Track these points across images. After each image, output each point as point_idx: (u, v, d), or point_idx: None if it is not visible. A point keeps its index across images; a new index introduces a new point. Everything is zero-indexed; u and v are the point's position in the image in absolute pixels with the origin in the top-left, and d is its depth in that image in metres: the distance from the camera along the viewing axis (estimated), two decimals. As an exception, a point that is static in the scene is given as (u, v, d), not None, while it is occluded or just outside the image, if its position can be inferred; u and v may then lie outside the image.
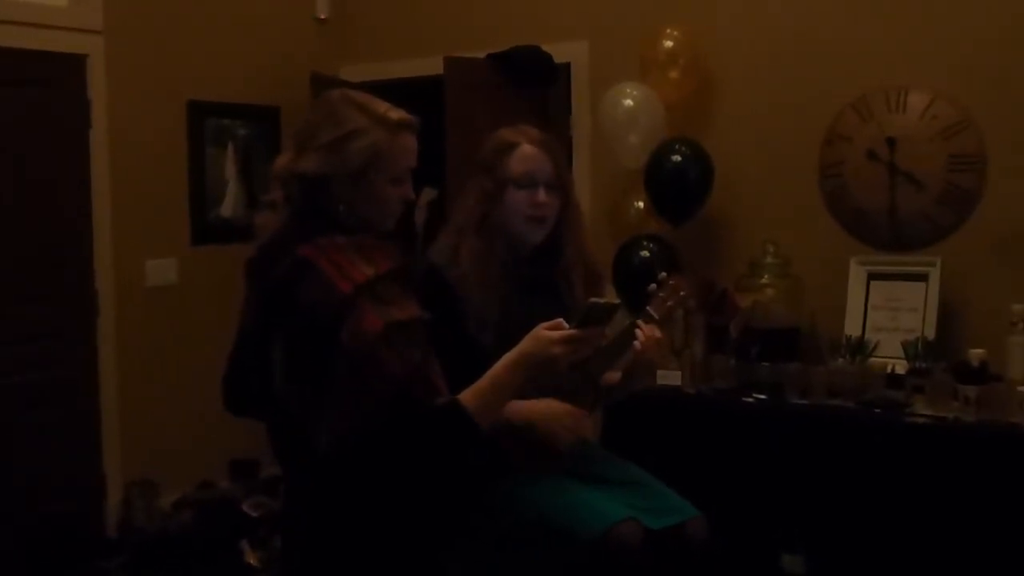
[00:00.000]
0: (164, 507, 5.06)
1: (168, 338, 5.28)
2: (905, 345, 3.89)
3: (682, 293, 2.76)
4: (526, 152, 2.81)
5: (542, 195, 2.77)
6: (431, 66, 5.26)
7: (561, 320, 2.15)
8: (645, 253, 4.53)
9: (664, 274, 2.79)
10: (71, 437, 4.91)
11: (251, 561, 4.58)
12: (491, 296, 2.70)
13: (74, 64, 4.92)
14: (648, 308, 2.72)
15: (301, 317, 2.00)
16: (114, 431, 5.09)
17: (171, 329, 5.29)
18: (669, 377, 4.09)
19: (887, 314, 4.13)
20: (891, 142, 4.09)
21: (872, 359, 3.93)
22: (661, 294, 2.74)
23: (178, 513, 5.01)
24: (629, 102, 4.64)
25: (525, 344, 2.11)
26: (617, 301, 2.21)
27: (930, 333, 3.95)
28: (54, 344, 4.87)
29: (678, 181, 4.53)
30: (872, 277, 4.20)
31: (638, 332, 2.66)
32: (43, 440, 4.76)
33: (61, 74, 4.87)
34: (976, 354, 3.63)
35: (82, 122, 4.95)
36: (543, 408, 2.65)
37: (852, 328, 4.11)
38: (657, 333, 2.71)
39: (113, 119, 5.05)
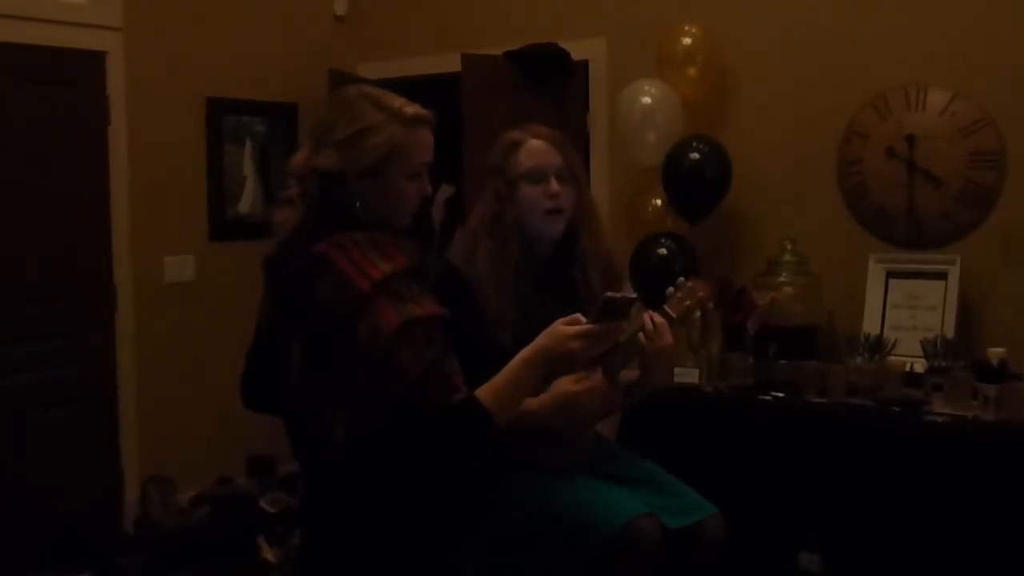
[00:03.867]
0: (181, 503, 5.07)
1: (186, 334, 5.30)
2: (924, 343, 3.88)
3: (700, 294, 2.74)
4: (533, 147, 2.81)
5: (554, 185, 2.77)
6: (449, 63, 5.26)
7: (579, 315, 2.14)
8: (662, 251, 4.53)
9: (682, 278, 2.79)
10: (89, 433, 4.93)
11: (268, 557, 4.60)
12: (508, 297, 2.69)
13: (93, 61, 4.94)
14: (665, 307, 2.71)
15: (318, 314, 2.00)
16: (132, 427, 5.11)
17: (189, 325, 5.31)
18: (686, 375, 4.09)
19: (906, 312, 4.11)
20: (910, 139, 4.06)
21: (891, 357, 3.91)
22: (679, 295, 2.73)
23: (195, 509, 5.02)
24: (647, 100, 4.64)
25: (542, 340, 2.10)
26: (634, 295, 2.20)
27: (949, 331, 3.93)
28: (72, 340, 4.89)
29: (695, 179, 4.53)
30: (891, 275, 4.18)
31: (645, 322, 2.65)
32: (61, 436, 4.79)
33: (80, 71, 4.89)
34: (995, 353, 3.62)
35: (101, 119, 4.97)
36: (560, 401, 2.57)
37: (870, 326, 4.09)
38: (666, 329, 2.68)
39: (132, 116, 5.07)
